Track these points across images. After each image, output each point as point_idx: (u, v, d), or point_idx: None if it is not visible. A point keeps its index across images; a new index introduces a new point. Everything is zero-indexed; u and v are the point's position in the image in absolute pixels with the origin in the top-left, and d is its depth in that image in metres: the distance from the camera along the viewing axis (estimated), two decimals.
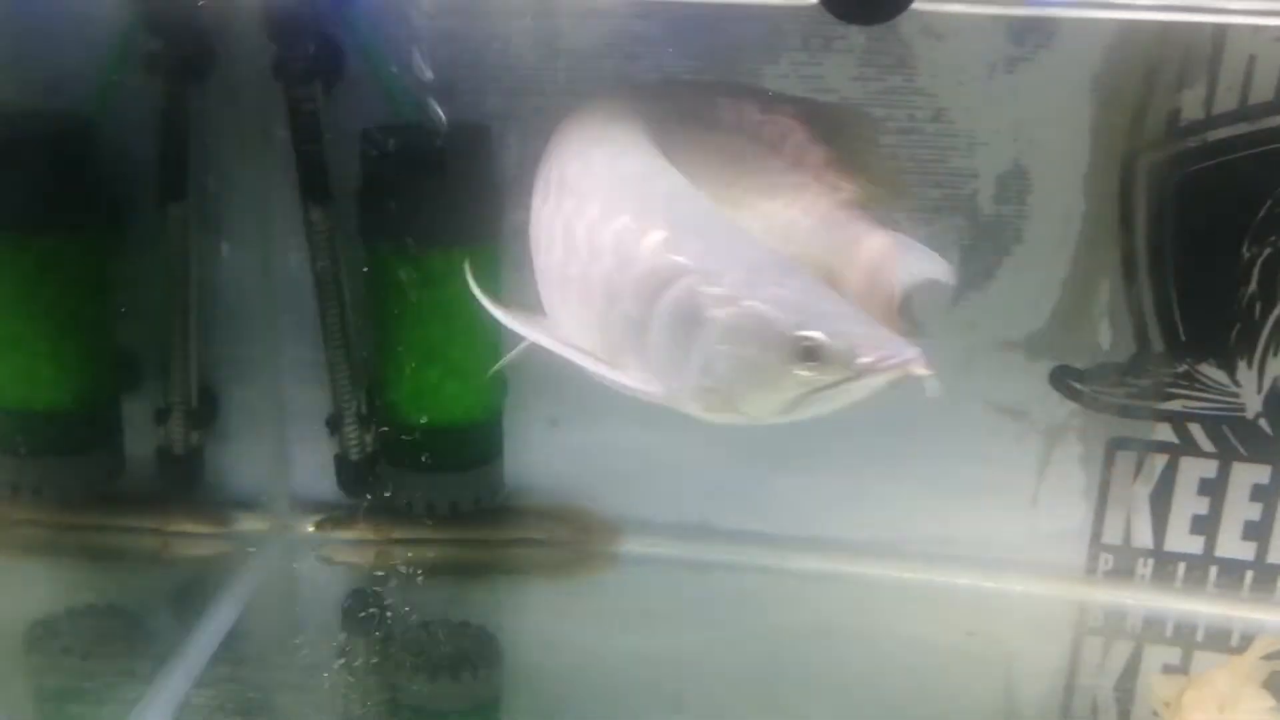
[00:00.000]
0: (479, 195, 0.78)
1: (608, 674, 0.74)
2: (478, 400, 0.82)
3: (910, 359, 0.44)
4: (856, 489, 0.81)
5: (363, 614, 0.81)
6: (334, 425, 0.83)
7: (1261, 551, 0.82)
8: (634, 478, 0.83)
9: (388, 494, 0.82)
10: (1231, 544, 0.80)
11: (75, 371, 0.78)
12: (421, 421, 0.79)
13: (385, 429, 0.81)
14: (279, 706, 0.72)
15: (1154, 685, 0.76)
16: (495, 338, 0.80)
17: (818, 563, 0.84)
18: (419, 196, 0.77)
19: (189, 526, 0.85)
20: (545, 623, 0.82)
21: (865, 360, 0.45)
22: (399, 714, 0.73)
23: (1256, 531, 0.80)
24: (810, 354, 0.45)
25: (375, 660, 0.79)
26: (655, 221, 0.49)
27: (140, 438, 0.83)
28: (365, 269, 0.80)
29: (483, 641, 0.80)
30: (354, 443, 0.82)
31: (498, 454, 0.84)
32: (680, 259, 0.48)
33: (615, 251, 0.50)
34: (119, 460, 0.83)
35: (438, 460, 0.80)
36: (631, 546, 0.85)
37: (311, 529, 0.86)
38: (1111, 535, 0.82)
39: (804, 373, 0.46)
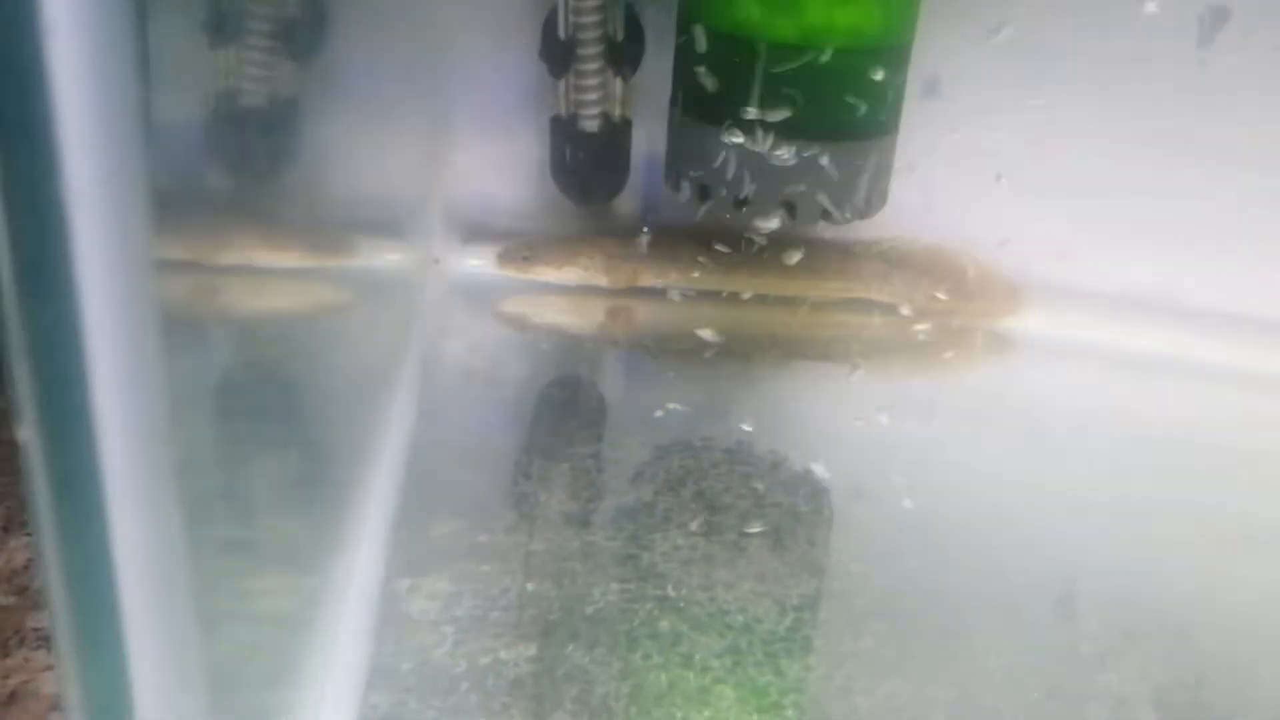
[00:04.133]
0: None
1: (948, 536, 0.43)
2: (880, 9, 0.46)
3: None
4: None
5: (573, 415, 0.49)
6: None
7: None
8: (1061, 210, 0.53)
9: (670, 185, 0.49)
10: None
11: None
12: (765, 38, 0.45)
13: (680, 56, 0.48)
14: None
15: None
16: None
17: None
18: None
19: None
20: (883, 444, 0.49)
21: None
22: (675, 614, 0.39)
23: None
24: None
25: (607, 497, 0.43)
26: None
27: None
28: None
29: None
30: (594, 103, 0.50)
31: (895, 123, 0.49)
32: None
33: None
34: None
35: (803, 117, 0.46)
36: (1034, 323, 0.56)
37: (487, 266, 0.53)
38: None
39: None
